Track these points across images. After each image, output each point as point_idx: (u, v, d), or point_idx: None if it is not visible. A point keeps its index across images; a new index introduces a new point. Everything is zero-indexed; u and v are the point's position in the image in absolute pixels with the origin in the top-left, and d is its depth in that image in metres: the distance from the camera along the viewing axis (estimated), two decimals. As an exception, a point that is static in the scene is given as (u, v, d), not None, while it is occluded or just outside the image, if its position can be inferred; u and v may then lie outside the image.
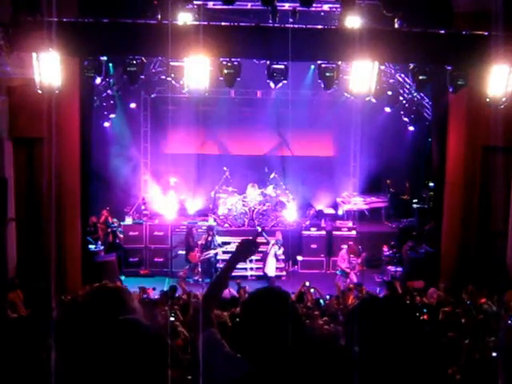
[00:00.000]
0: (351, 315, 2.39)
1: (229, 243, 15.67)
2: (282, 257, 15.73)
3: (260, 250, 16.28)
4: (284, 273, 16.38)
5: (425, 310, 9.95)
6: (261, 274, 15.90)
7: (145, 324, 1.89)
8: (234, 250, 3.29)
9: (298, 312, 2.58)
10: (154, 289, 12.95)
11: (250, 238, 3.26)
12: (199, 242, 15.96)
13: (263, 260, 15.41)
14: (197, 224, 16.89)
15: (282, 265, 16.24)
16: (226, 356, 2.68)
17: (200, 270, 15.73)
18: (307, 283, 12.39)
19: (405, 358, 2.20)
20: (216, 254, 15.75)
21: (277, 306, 2.51)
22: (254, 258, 16.25)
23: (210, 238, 15.79)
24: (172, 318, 8.27)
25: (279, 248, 15.41)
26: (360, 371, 2.15)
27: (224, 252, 15.54)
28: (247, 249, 3.20)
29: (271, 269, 15.29)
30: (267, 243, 15.30)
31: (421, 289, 13.17)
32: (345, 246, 15.52)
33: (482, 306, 10.27)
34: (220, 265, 15.53)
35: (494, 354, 6.20)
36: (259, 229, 15.44)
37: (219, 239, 16.11)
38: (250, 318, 2.54)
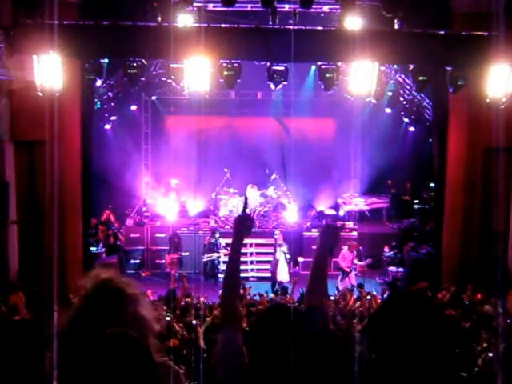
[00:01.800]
0: (375, 319, 2.28)
1: None
2: (288, 256, 15.66)
3: (264, 251, 16.36)
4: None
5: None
6: (262, 275, 15.89)
7: (132, 338, 1.87)
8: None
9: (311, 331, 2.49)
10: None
11: (242, 214, 3.08)
12: (204, 243, 16.00)
13: (273, 269, 15.29)
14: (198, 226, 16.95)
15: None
16: (239, 367, 2.56)
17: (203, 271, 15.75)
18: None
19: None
20: (219, 257, 15.69)
21: (287, 327, 2.40)
22: (254, 259, 16.29)
23: (213, 240, 15.76)
24: (168, 318, 8.35)
25: (287, 252, 15.40)
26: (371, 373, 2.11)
27: (226, 255, 15.52)
28: (244, 225, 3.00)
29: (285, 274, 15.16)
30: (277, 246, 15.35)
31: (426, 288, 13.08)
32: (345, 247, 15.47)
33: (482, 308, 10.27)
34: (223, 267, 15.50)
35: (490, 355, 6.20)
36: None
37: (223, 241, 16.01)
38: (260, 336, 2.46)
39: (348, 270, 14.70)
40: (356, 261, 14.92)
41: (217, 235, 15.88)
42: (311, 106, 18.78)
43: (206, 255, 15.77)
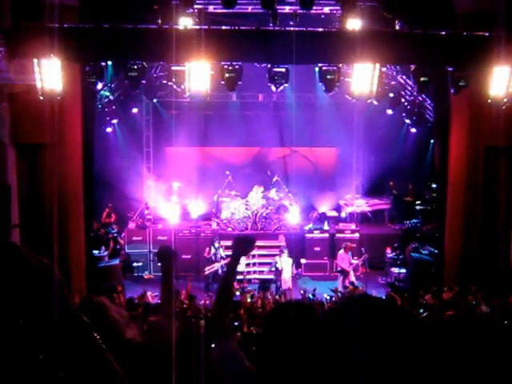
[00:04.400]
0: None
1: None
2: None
3: (266, 253, 16.30)
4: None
5: (421, 311, 9.97)
6: (263, 276, 15.82)
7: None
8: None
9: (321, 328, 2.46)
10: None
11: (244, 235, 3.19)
12: (204, 255, 15.79)
13: (278, 277, 14.99)
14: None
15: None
16: (244, 372, 2.52)
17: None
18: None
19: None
20: (222, 267, 15.37)
21: (303, 323, 2.35)
22: (256, 261, 16.24)
23: (213, 251, 15.55)
24: None
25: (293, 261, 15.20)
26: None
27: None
28: (245, 245, 3.06)
29: (289, 281, 14.86)
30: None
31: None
32: (341, 250, 15.40)
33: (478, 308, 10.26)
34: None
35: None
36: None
37: (222, 252, 15.78)
38: (274, 333, 2.38)
39: (347, 269, 14.69)
40: (353, 260, 14.93)
41: (216, 245, 15.56)
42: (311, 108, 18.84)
43: (207, 268, 15.40)
